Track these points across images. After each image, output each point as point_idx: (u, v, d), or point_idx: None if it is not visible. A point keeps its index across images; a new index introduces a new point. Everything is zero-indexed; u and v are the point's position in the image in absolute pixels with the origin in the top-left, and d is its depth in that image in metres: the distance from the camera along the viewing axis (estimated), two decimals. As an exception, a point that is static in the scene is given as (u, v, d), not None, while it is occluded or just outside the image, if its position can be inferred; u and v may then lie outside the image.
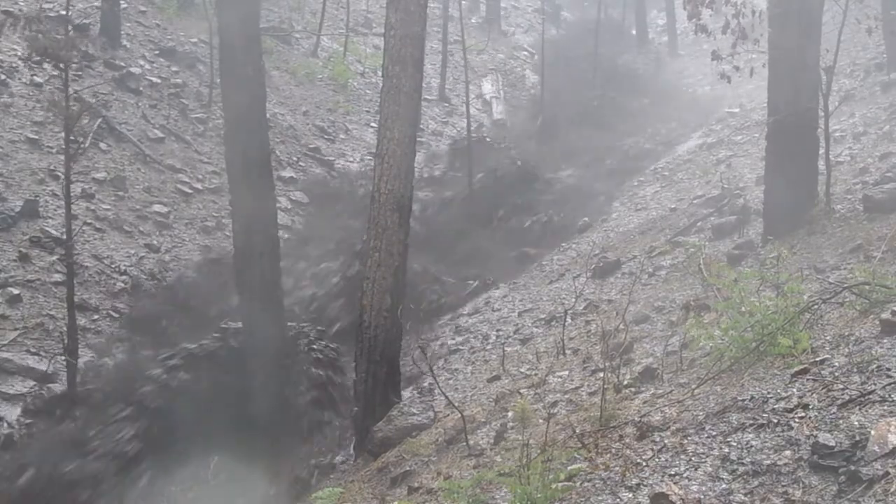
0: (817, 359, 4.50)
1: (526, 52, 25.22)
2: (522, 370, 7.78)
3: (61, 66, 9.55)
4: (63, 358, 9.44)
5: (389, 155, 8.05)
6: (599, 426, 4.95)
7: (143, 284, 11.53)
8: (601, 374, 6.02)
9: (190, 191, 13.67)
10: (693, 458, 4.03)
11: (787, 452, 3.73)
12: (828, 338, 4.84)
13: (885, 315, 4.60)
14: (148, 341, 10.60)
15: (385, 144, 8.08)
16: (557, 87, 21.33)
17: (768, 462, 3.72)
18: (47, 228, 11.24)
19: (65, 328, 9.65)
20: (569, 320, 8.51)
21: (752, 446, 3.89)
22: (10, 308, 10.09)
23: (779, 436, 3.87)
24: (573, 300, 9.51)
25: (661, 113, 18.65)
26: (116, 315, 10.93)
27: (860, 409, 3.81)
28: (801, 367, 4.42)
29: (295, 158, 15.84)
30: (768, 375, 4.58)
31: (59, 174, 11.65)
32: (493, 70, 22.90)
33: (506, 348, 8.83)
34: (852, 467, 3.41)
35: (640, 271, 9.65)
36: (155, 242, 12.34)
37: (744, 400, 4.33)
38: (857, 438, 3.57)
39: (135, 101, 14.71)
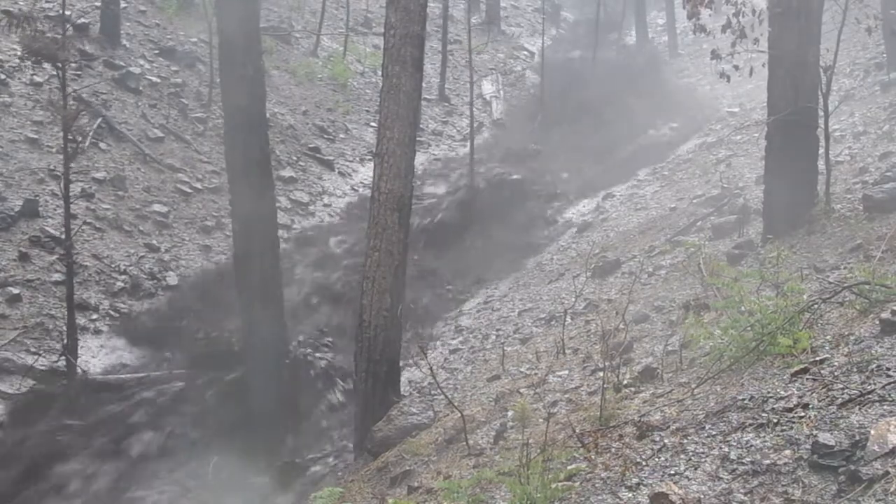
0: (817, 358, 4.49)
1: (526, 52, 25.23)
2: (522, 370, 7.77)
3: (58, 66, 9.55)
4: (63, 357, 9.45)
5: (389, 155, 8.05)
6: (599, 426, 4.95)
7: (143, 284, 11.54)
8: (601, 374, 6.01)
9: (190, 190, 13.67)
10: (693, 458, 4.03)
11: (787, 452, 3.72)
12: (828, 337, 4.84)
13: (885, 314, 4.59)
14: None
15: (385, 144, 8.08)
16: (557, 86, 21.37)
17: (768, 461, 3.71)
18: (47, 228, 11.24)
19: (64, 328, 9.66)
20: (568, 320, 8.51)
21: (751, 446, 3.89)
22: (9, 307, 10.09)
23: (778, 435, 3.87)
24: (573, 299, 9.51)
25: (660, 112, 18.66)
26: (116, 314, 10.93)
27: (860, 408, 3.81)
28: (801, 366, 4.41)
29: (295, 158, 15.84)
30: (768, 375, 4.58)
31: (59, 174, 11.64)
32: (493, 70, 22.91)
33: (506, 348, 8.83)
34: (852, 467, 3.41)
35: (639, 271, 9.65)
36: (155, 242, 12.33)
37: (743, 399, 4.32)
38: (857, 438, 3.57)
39: (134, 101, 14.71)
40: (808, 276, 6.54)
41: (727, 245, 9.11)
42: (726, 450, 3.95)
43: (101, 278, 11.29)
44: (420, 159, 12.27)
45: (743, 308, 5.44)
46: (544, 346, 8.38)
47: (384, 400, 7.99)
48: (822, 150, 8.46)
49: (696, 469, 3.93)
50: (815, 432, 3.73)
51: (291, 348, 10.22)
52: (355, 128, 17.87)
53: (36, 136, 12.52)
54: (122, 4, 16.67)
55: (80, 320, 10.17)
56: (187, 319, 11.11)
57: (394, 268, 8.08)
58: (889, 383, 3.90)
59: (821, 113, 8.16)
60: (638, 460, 4.22)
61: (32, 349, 9.78)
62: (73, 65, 13.70)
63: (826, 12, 8.41)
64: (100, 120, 13.58)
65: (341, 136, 17.41)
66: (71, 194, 9.62)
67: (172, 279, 11.91)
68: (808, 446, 3.66)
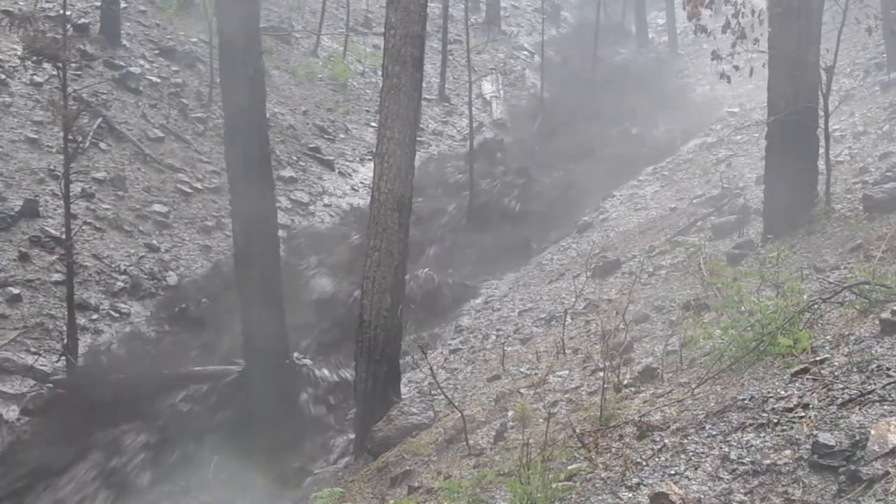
0: (817, 358, 4.49)
1: (526, 52, 25.23)
2: (522, 370, 7.78)
3: (59, 65, 9.56)
4: (63, 357, 9.46)
5: (389, 155, 8.05)
6: (599, 426, 4.95)
7: (143, 284, 11.54)
8: (601, 374, 6.02)
9: (190, 190, 13.67)
10: (693, 458, 4.03)
11: (787, 452, 3.72)
12: (828, 337, 4.84)
13: (885, 314, 4.59)
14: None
15: (385, 144, 8.08)
16: (557, 86, 21.37)
17: (768, 461, 3.72)
18: (47, 228, 11.24)
19: (64, 328, 9.66)
20: (569, 320, 8.51)
21: (751, 446, 3.89)
22: (9, 307, 10.09)
23: (779, 435, 3.87)
24: (573, 299, 9.51)
25: (660, 112, 18.66)
26: (116, 314, 10.94)
27: (860, 408, 3.81)
28: (801, 366, 4.41)
29: (295, 158, 15.84)
30: (768, 375, 4.58)
31: (59, 174, 11.65)
32: (493, 70, 22.91)
33: (506, 348, 8.83)
34: (852, 467, 3.41)
35: (639, 271, 9.65)
36: (155, 242, 12.34)
37: (744, 399, 4.32)
38: (857, 438, 3.57)
39: (135, 101, 14.71)
40: (808, 276, 6.54)
41: (727, 245, 9.12)
42: (726, 450, 3.95)
43: (101, 278, 11.29)
44: (420, 159, 12.28)
45: (743, 308, 5.44)
46: (544, 346, 8.38)
47: (384, 400, 7.99)
48: (822, 150, 8.46)
49: (696, 469, 3.93)
50: (815, 432, 3.73)
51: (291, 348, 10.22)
52: (355, 128, 17.87)
53: (36, 136, 12.52)
54: (122, 4, 16.67)
55: (81, 320, 10.17)
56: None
57: (394, 268, 8.09)
58: (889, 383, 3.90)
59: (821, 113, 8.16)
60: (638, 460, 4.22)
61: (32, 349, 9.78)
62: (73, 65, 13.71)
63: (826, 12, 8.42)
64: (100, 120, 13.58)
65: (341, 136, 17.41)
66: (71, 194, 9.62)
67: (172, 279, 11.92)
68: (808, 446, 3.66)
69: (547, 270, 12.26)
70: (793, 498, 3.45)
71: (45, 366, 9.61)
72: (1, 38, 13.36)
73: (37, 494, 8.28)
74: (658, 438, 4.36)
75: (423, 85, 9.54)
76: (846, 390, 4.00)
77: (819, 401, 4.01)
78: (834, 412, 3.85)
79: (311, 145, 16.47)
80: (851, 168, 10.29)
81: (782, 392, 4.24)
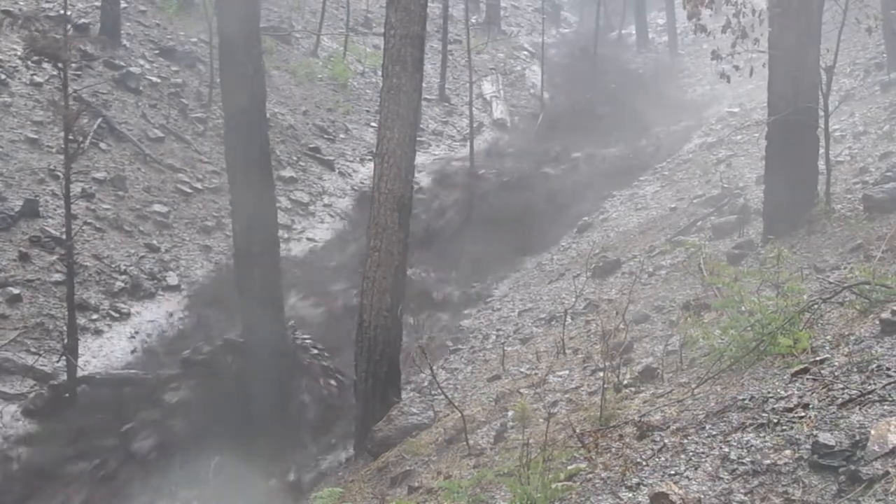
0: (817, 358, 4.49)
1: (526, 52, 25.24)
2: (522, 370, 7.78)
3: (60, 65, 9.57)
4: (63, 357, 9.46)
5: (389, 155, 8.06)
6: (599, 426, 4.95)
7: (143, 284, 11.54)
8: (601, 374, 6.02)
9: (190, 190, 13.67)
10: (693, 458, 4.03)
11: (787, 452, 3.72)
12: (828, 337, 4.84)
13: (886, 314, 4.59)
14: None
15: (385, 144, 8.09)
16: (557, 86, 21.37)
17: (768, 461, 3.71)
18: (47, 228, 11.24)
19: (64, 328, 9.66)
20: (569, 320, 8.51)
21: (751, 446, 3.89)
22: (10, 308, 10.10)
23: (779, 435, 3.87)
24: (573, 299, 9.51)
25: (660, 112, 18.64)
26: (116, 314, 10.95)
27: (860, 408, 3.81)
28: (801, 366, 4.41)
29: (295, 158, 15.84)
30: (768, 375, 4.58)
31: (59, 174, 11.66)
32: (493, 70, 22.91)
33: (506, 348, 8.83)
34: (852, 467, 3.41)
35: (640, 271, 9.65)
36: (155, 242, 12.34)
37: (744, 399, 4.32)
38: (857, 438, 3.57)
39: (135, 101, 14.71)
40: (808, 276, 6.54)
41: (727, 245, 9.12)
42: (726, 450, 3.95)
43: (101, 278, 11.29)
44: (420, 159, 12.26)
45: (743, 308, 5.44)
46: (544, 346, 8.39)
47: (384, 400, 7.99)
48: (822, 150, 8.46)
49: (696, 469, 3.93)
50: (815, 432, 3.73)
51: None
52: (355, 128, 17.87)
53: (36, 136, 12.52)
54: (122, 4, 16.67)
55: (81, 320, 10.17)
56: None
57: (394, 268, 8.09)
58: (889, 383, 3.90)
59: (821, 113, 8.16)
60: (638, 460, 4.22)
61: (32, 349, 9.78)
62: (73, 65, 13.71)
63: (826, 12, 8.42)
64: (100, 120, 13.58)
65: (341, 136, 17.41)
66: (71, 194, 9.63)
67: (172, 279, 11.92)
68: (808, 446, 3.66)
69: (547, 270, 12.27)
70: (793, 498, 3.44)
71: (45, 366, 9.61)
72: (1, 38, 13.35)
73: (36, 495, 8.28)
74: (658, 438, 4.36)
75: (423, 85, 9.53)
76: (846, 390, 4.00)
77: (819, 401, 4.00)
78: (834, 412, 3.85)
79: (311, 145, 16.47)
80: (851, 168, 10.29)
81: (782, 392, 4.24)
